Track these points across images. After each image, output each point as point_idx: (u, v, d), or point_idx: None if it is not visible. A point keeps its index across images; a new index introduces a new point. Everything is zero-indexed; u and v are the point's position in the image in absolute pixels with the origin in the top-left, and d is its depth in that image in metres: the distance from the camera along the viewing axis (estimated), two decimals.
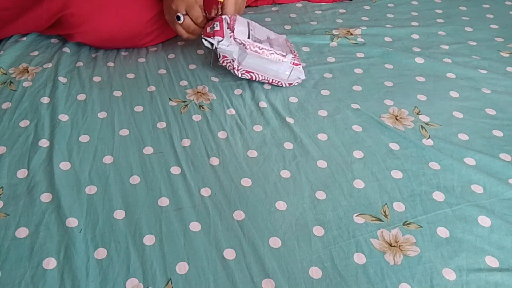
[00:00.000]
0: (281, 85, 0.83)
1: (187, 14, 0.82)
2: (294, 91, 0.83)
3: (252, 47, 0.79)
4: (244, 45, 0.79)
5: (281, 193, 0.65)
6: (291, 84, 0.83)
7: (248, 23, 0.84)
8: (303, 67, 0.84)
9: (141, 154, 0.70)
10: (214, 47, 0.80)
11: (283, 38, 0.89)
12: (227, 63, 0.81)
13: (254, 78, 0.82)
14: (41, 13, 0.86)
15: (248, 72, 0.81)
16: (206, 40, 0.81)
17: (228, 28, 0.80)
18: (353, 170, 0.69)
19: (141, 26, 0.89)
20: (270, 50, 0.80)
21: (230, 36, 0.78)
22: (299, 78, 0.83)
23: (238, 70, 0.81)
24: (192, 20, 0.83)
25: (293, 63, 0.81)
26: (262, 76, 0.82)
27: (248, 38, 0.80)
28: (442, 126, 0.77)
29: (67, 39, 0.91)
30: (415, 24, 1.04)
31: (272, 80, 0.82)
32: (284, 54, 0.80)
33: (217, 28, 0.79)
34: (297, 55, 0.84)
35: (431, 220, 0.62)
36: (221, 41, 0.79)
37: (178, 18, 0.82)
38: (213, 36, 0.79)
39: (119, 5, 0.86)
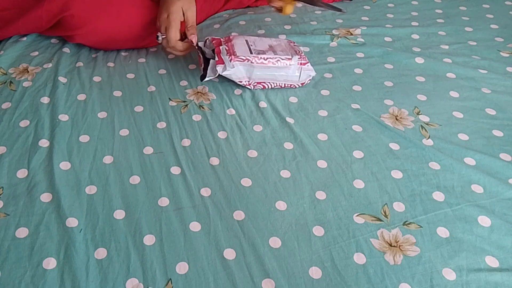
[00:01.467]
0: (294, 87, 0.84)
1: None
2: (294, 91, 0.83)
3: (258, 60, 0.80)
4: (249, 60, 0.80)
5: (281, 193, 0.65)
6: (304, 83, 0.84)
7: (247, 40, 0.85)
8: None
9: (141, 154, 0.70)
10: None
11: (285, 41, 0.89)
12: (238, 82, 0.82)
13: (267, 87, 0.83)
14: (41, 14, 0.86)
15: (259, 83, 0.82)
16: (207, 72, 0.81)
17: (227, 54, 0.81)
18: (353, 170, 0.69)
19: (141, 28, 0.88)
20: (275, 58, 0.81)
21: (230, 60, 0.79)
22: (310, 76, 0.84)
23: (250, 84, 0.82)
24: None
25: (300, 64, 0.81)
26: (274, 83, 0.83)
27: (251, 53, 0.81)
28: (442, 126, 0.77)
29: (68, 40, 0.92)
30: (415, 24, 1.04)
31: (285, 84, 0.83)
32: (290, 57, 0.81)
33: (216, 58, 0.81)
34: (303, 54, 0.84)
35: (431, 220, 0.62)
36: (224, 68, 0.79)
37: (157, 37, 0.83)
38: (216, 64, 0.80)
39: (120, 7, 0.86)
